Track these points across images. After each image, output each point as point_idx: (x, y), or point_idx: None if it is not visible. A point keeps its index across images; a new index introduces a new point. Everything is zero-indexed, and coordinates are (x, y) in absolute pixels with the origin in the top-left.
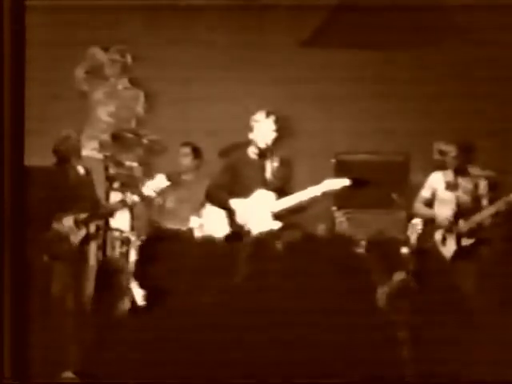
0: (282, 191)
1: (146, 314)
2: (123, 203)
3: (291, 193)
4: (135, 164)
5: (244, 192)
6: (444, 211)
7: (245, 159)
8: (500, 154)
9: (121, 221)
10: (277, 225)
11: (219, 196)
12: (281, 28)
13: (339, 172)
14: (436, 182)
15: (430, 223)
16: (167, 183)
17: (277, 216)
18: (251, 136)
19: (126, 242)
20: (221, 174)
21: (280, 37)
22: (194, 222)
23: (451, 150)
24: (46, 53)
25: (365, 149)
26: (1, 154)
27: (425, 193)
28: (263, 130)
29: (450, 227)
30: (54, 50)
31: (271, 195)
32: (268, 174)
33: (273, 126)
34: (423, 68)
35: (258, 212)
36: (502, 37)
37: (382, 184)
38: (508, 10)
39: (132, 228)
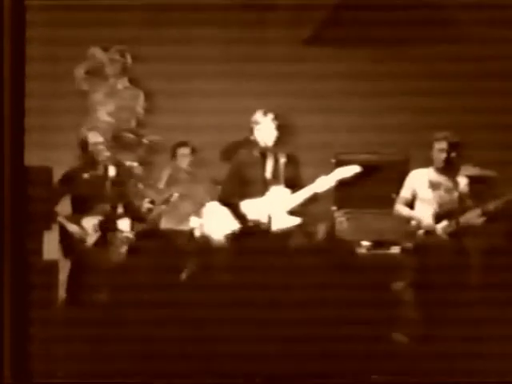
0: (293, 187)
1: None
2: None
3: (302, 187)
4: (135, 164)
5: (251, 192)
6: (426, 211)
7: (249, 159)
8: (495, 153)
9: (121, 221)
10: (296, 220)
11: (232, 200)
12: (281, 27)
13: None
14: (416, 180)
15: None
16: None
17: (293, 212)
18: (252, 137)
19: (126, 241)
20: (229, 176)
21: (280, 35)
22: (193, 222)
23: (442, 147)
24: (46, 53)
25: (365, 146)
26: (1, 154)
27: (404, 193)
28: (263, 129)
29: (432, 228)
30: (54, 49)
31: (286, 192)
32: (273, 172)
33: (272, 125)
34: (424, 65)
35: (274, 210)
36: (501, 33)
37: (382, 184)
38: (506, 7)
39: (132, 228)
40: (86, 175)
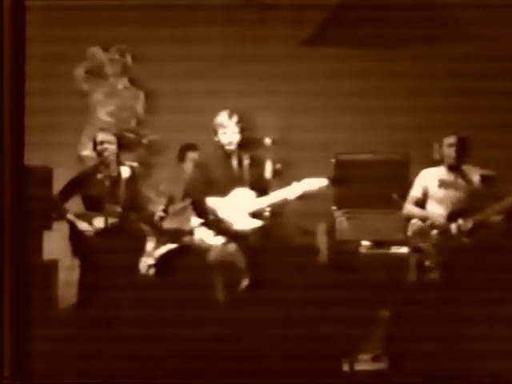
0: (257, 189)
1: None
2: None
3: (265, 189)
4: (135, 164)
5: (216, 191)
6: (438, 210)
7: (214, 158)
8: (497, 152)
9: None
10: (257, 223)
11: (196, 196)
12: (282, 27)
13: (339, 172)
14: (427, 179)
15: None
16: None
17: (255, 215)
18: (216, 138)
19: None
20: (193, 174)
21: (281, 35)
22: (193, 222)
23: (452, 142)
24: (46, 53)
25: (366, 145)
26: (1, 154)
27: (415, 192)
28: (227, 131)
29: (447, 227)
30: (54, 49)
31: (251, 194)
32: (238, 173)
33: (236, 128)
34: (423, 65)
35: (237, 210)
36: (502, 33)
37: (382, 184)
38: (506, 6)
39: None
40: (99, 175)
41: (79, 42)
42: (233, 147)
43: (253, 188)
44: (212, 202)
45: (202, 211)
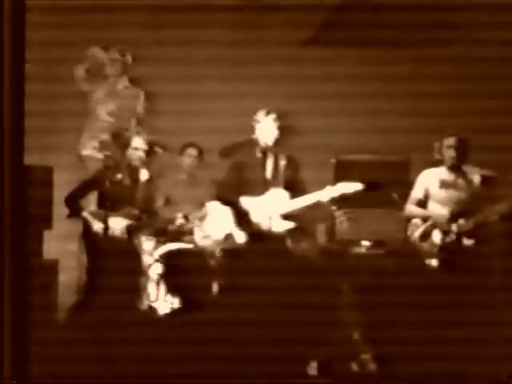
0: (291, 190)
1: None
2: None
3: (301, 190)
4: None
5: (251, 191)
6: (440, 211)
7: (250, 158)
8: (498, 151)
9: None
10: (289, 225)
11: (229, 197)
12: (281, 28)
13: (339, 172)
14: (428, 180)
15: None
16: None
17: (288, 216)
18: (254, 136)
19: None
20: (228, 174)
21: (281, 37)
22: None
23: (451, 144)
24: (46, 52)
25: (365, 147)
26: (1, 154)
27: (416, 193)
28: (264, 129)
29: (449, 227)
30: (54, 49)
31: (285, 194)
32: (273, 173)
33: (273, 125)
34: (424, 66)
35: (270, 212)
36: (502, 35)
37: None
38: (508, 8)
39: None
40: (119, 175)
41: (79, 42)
42: (268, 144)
43: (287, 189)
44: (246, 202)
45: (235, 212)
